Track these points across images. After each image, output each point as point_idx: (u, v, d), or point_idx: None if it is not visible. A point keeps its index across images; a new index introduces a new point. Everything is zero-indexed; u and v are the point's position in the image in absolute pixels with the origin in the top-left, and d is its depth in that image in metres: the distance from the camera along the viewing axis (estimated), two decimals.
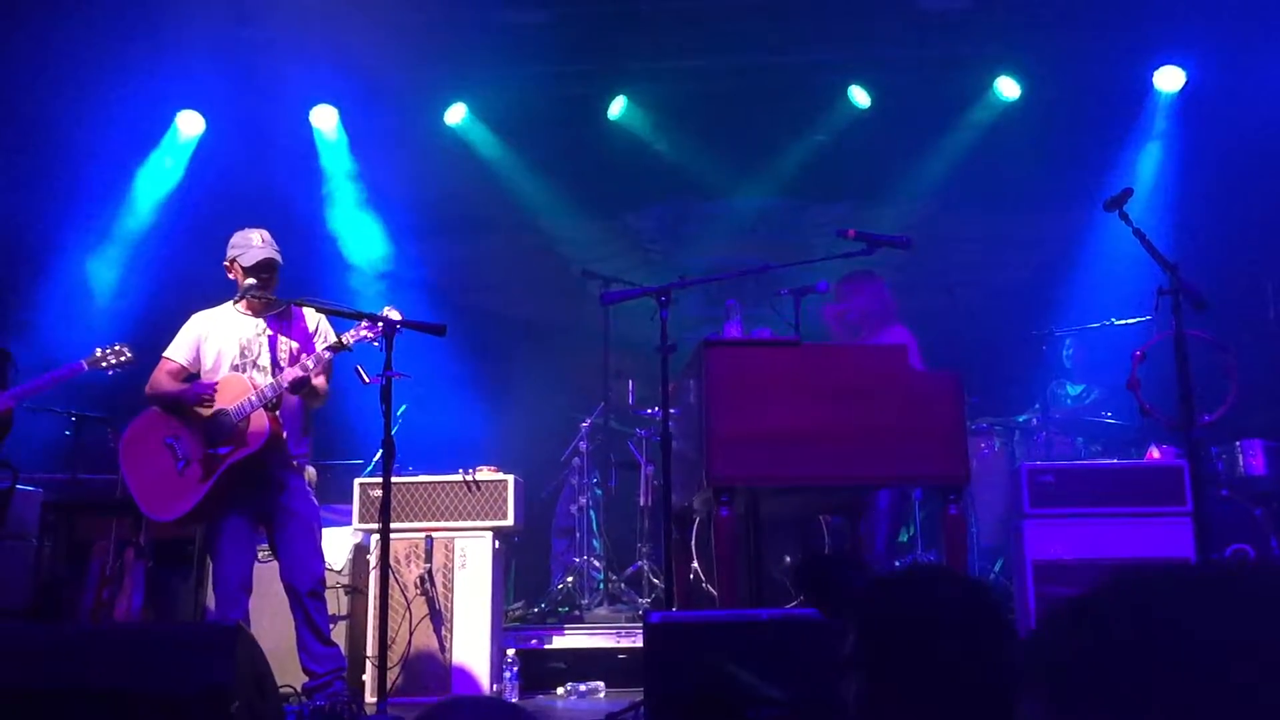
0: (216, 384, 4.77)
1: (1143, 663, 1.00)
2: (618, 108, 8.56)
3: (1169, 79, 8.15)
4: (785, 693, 2.06)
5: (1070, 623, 1.14)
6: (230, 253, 4.95)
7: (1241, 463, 6.61)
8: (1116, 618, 1.10)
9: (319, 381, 4.94)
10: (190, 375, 4.95)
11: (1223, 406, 5.17)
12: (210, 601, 5.15)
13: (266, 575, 5.02)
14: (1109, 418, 7.14)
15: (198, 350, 4.96)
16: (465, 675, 5.75)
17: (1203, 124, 8.07)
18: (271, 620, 5.00)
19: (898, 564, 7.21)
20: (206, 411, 4.75)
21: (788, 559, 6.53)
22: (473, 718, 1.95)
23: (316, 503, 4.98)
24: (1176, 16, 7.61)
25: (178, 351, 4.96)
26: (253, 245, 4.92)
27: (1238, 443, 6.56)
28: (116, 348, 5.40)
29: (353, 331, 4.78)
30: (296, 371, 4.77)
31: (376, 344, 4.70)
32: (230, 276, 4.99)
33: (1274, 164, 7.69)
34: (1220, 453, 6.66)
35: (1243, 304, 7.46)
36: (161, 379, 4.91)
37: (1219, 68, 7.96)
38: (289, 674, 4.72)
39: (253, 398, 4.74)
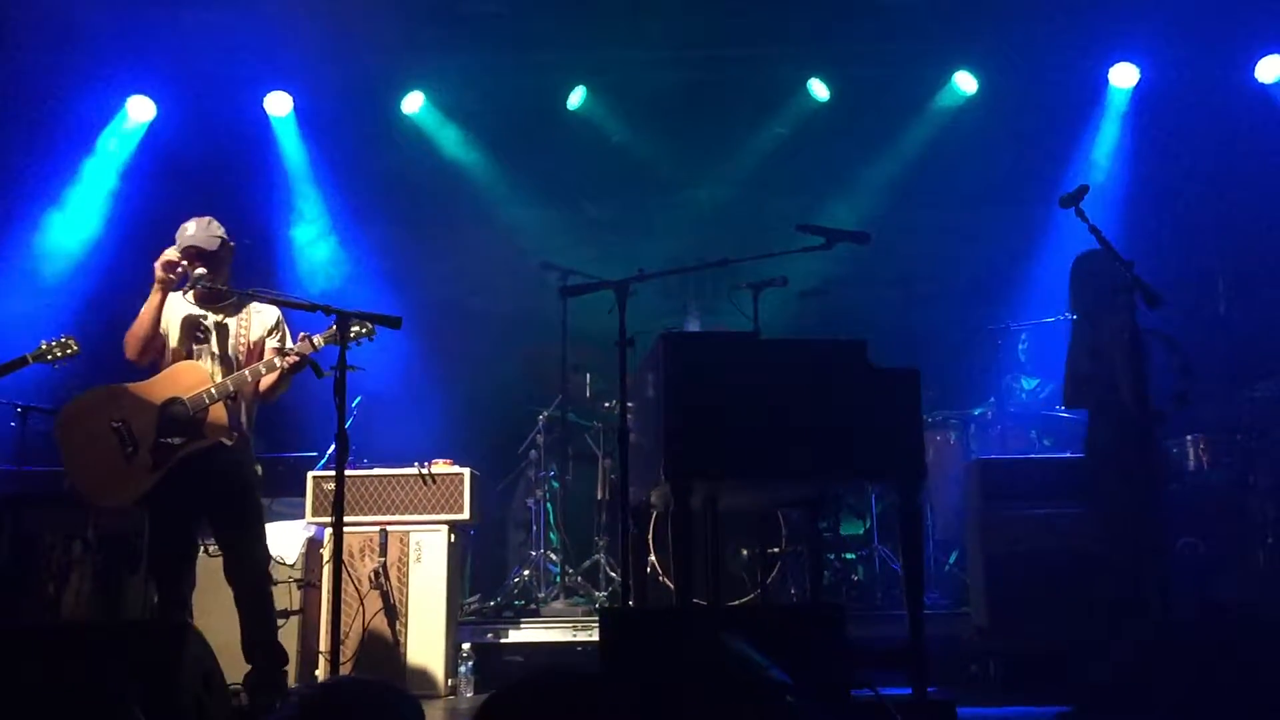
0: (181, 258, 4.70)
1: None
2: (577, 98, 8.51)
3: (1123, 75, 8.22)
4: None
5: None
6: None
7: (1190, 456, 6.70)
8: None
9: (272, 381, 4.87)
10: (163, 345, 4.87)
11: (1175, 401, 5.22)
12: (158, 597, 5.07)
13: (214, 570, 4.94)
14: (1062, 411, 7.20)
15: (165, 327, 4.88)
16: (419, 670, 5.70)
17: (1156, 120, 8.15)
18: (219, 616, 4.92)
19: (846, 556, 7.23)
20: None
21: (745, 553, 6.54)
22: (352, 699, 1.95)
23: (261, 497, 4.91)
24: (1131, 13, 7.67)
25: None
26: (184, 235, 4.84)
27: (1186, 437, 6.64)
28: (63, 340, 5.29)
29: (324, 333, 4.74)
30: (260, 370, 4.73)
31: (358, 342, 4.69)
32: None
33: (1225, 160, 7.79)
34: (1169, 447, 6.74)
35: (1195, 299, 7.55)
36: None
37: (1172, 65, 8.04)
38: (238, 670, 4.65)
39: (212, 390, 4.67)
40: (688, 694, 1.81)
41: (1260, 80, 8.05)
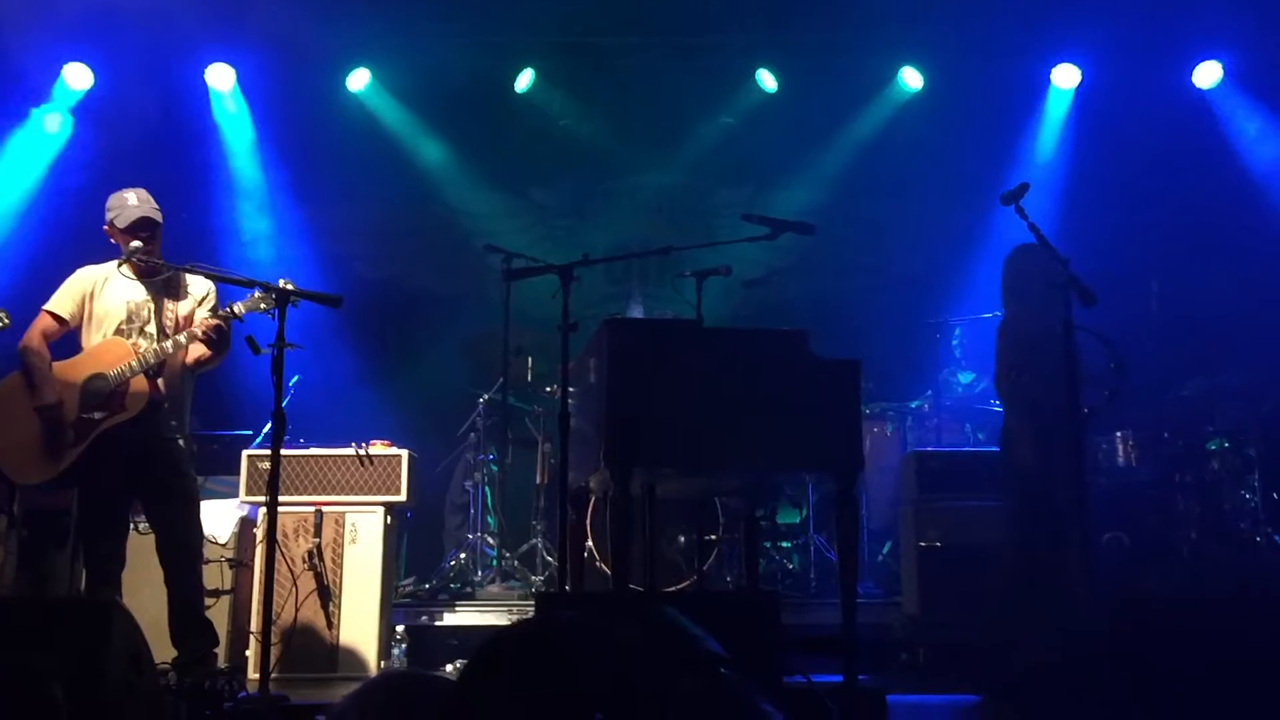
0: (60, 403, 4.58)
1: None
2: (525, 81, 8.45)
3: (1065, 77, 8.34)
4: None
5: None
6: (108, 215, 4.78)
7: (1119, 452, 6.84)
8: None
9: (200, 351, 4.78)
10: (70, 331, 4.77)
11: (1105, 398, 5.32)
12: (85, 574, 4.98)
13: (144, 548, 4.87)
14: (996, 406, 7.31)
15: (82, 306, 4.77)
16: (352, 652, 5.66)
17: (1096, 122, 8.29)
18: (148, 594, 4.85)
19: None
20: (81, 375, 4.58)
21: (681, 539, 6.57)
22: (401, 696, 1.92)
23: (194, 474, 4.83)
24: (1074, 16, 7.79)
25: (61, 305, 4.76)
26: (128, 205, 4.74)
27: (1116, 433, 6.78)
28: None
29: (245, 301, 4.65)
30: (181, 341, 4.64)
31: (270, 314, 4.57)
32: (113, 241, 4.80)
33: (1162, 162, 7.94)
34: (1099, 442, 6.88)
35: (1128, 298, 7.68)
36: (36, 336, 4.70)
37: (1113, 68, 8.18)
38: (167, 649, 4.59)
39: (133, 363, 4.59)
40: (625, 668, 1.80)
41: (1197, 85, 8.23)
